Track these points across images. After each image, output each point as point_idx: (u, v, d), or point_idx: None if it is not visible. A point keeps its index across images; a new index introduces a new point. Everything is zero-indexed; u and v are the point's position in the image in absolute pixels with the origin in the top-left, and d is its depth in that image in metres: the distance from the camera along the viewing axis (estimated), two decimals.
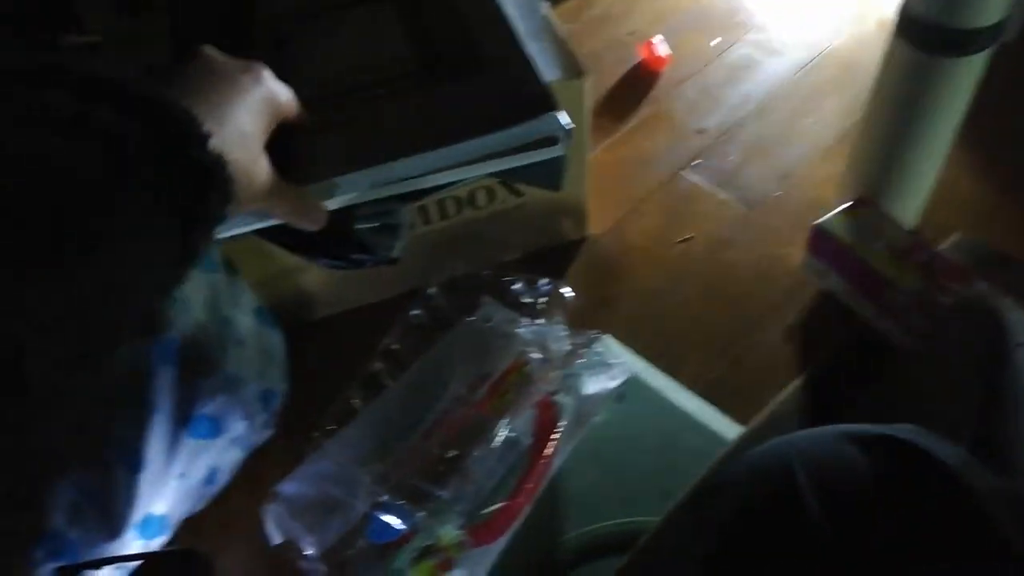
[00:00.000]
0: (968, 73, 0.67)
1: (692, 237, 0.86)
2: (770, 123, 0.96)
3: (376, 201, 0.63)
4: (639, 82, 1.03)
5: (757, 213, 0.87)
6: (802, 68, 1.02)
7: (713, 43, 1.07)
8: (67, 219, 0.30)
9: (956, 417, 0.55)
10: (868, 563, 0.36)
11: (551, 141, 0.64)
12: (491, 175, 0.67)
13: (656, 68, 1.04)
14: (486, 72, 0.67)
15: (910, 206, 0.79)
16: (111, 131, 0.31)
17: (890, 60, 0.70)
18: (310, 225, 0.52)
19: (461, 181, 0.66)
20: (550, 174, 0.70)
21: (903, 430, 0.42)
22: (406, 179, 0.62)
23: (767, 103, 0.99)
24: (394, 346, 0.75)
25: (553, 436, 0.67)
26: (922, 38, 0.65)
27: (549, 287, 0.74)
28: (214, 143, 0.34)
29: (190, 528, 0.68)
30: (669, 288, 0.82)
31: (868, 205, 0.76)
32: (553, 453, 0.66)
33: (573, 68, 0.71)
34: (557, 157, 0.67)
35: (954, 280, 0.69)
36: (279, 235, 0.64)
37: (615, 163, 0.94)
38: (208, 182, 0.34)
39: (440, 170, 0.63)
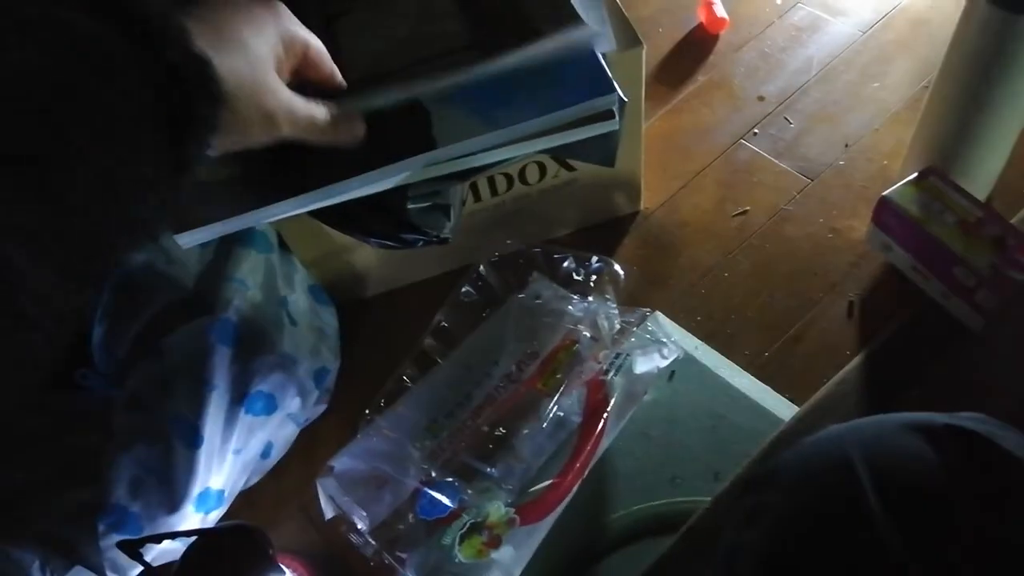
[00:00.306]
0: None
1: (749, 210, 0.83)
2: (833, 89, 0.92)
3: (428, 181, 0.63)
4: (697, 47, 1.00)
5: (818, 184, 0.84)
6: (869, 29, 0.97)
7: (775, 3, 1.02)
8: (45, 127, 0.29)
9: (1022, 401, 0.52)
10: (926, 564, 0.34)
11: (606, 115, 0.62)
12: (543, 151, 0.66)
13: (715, 31, 1.00)
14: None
15: (984, 176, 0.75)
16: (83, 33, 0.31)
17: (968, 18, 0.65)
18: (347, 141, 0.51)
19: (514, 158, 0.66)
20: (604, 149, 0.69)
21: (969, 419, 0.40)
22: (458, 158, 0.62)
23: (831, 67, 0.94)
24: (445, 323, 0.75)
25: (603, 416, 0.66)
26: None
27: (600, 264, 0.73)
28: (200, 47, 0.34)
29: (246, 501, 0.70)
30: (724, 264, 0.80)
31: (937, 175, 0.72)
32: (602, 433, 0.66)
33: (629, 38, 0.69)
34: (611, 131, 0.65)
35: None
36: (332, 216, 0.65)
37: (670, 133, 0.92)
38: (192, 84, 0.34)
39: (493, 148, 0.62)
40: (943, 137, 0.73)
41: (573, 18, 0.63)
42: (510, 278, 0.78)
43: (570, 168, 0.78)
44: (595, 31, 0.61)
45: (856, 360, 0.69)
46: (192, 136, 0.35)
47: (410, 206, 0.64)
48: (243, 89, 0.39)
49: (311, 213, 0.62)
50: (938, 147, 0.74)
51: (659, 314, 0.75)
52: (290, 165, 0.58)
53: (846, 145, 0.87)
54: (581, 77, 0.61)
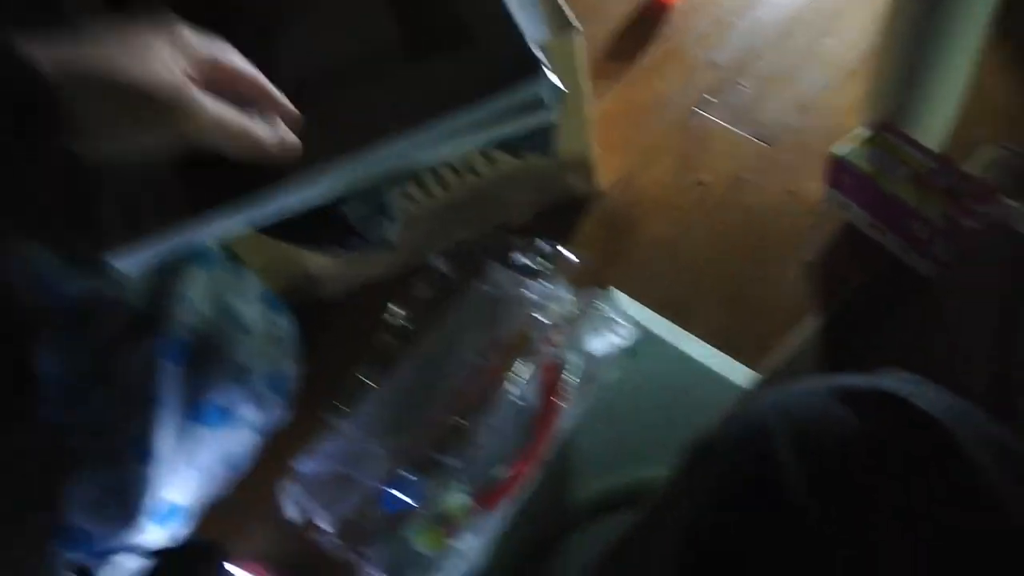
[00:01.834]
0: None
1: (706, 180, 0.82)
2: (788, 50, 0.90)
3: (366, 185, 0.63)
4: (650, 18, 0.98)
5: (775, 149, 0.83)
6: None
7: None
8: None
9: (978, 354, 0.51)
10: (853, 542, 0.33)
11: (539, 106, 0.61)
12: (484, 146, 0.65)
13: (668, 1, 0.99)
14: (469, 41, 0.64)
15: (937, 124, 0.73)
16: None
17: None
18: (274, 155, 0.50)
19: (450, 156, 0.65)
20: (541, 139, 0.67)
21: (892, 380, 0.38)
22: (393, 162, 0.61)
23: (783, 28, 0.92)
24: (403, 320, 0.75)
25: (559, 399, 0.65)
26: None
27: (551, 248, 0.72)
28: (34, 53, 0.36)
29: (217, 512, 0.70)
30: (683, 237, 0.79)
31: (889, 130, 0.71)
32: (559, 415, 0.65)
33: (564, 24, 0.67)
34: (547, 122, 0.64)
35: (980, 201, 0.64)
36: (272, 228, 0.64)
37: (625, 109, 0.90)
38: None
39: (427, 149, 0.61)
40: (894, 88, 0.71)
41: (503, 15, 0.61)
42: (467, 269, 0.77)
43: (519, 155, 0.77)
44: (553, 85, 0.59)
45: (816, 322, 0.67)
46: (37, 133, 0.36)
47: (351, 212, 0.63)
48: (96, 75, 0.39)
49: (255, 228, 0.62)
50: (890, 100, 0.72)
51: (618, 292, 0.75)
52: (222, 182, 0.57)
53: (801, 106, 0.85)
54: (507, 66, 0.60)
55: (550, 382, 0.66)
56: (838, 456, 0.36)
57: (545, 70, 0.58)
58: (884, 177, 0.68)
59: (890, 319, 0.65)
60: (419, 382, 0.72)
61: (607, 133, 0.86)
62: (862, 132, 0.71)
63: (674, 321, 0.72)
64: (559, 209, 0.83)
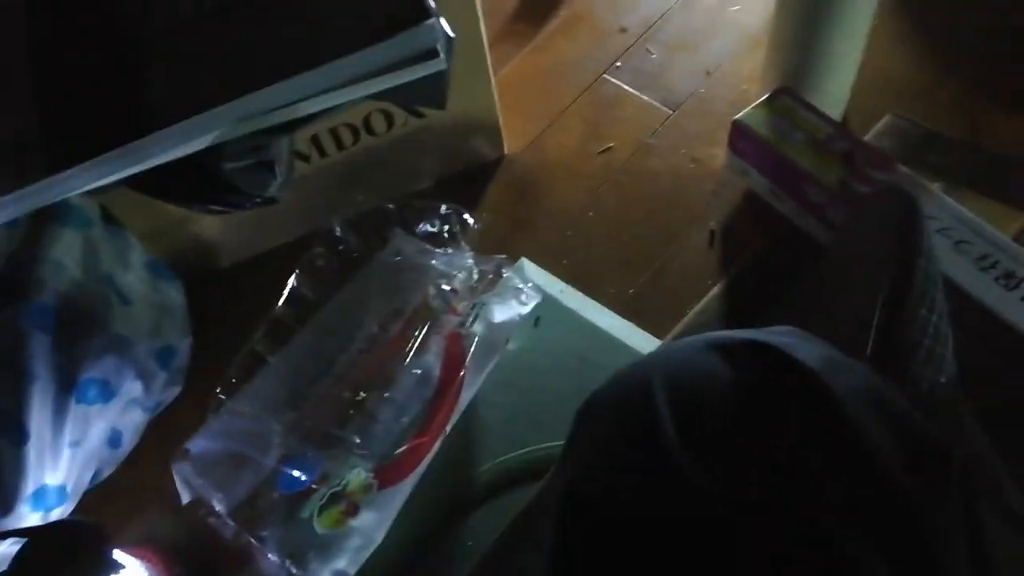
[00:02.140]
0: None
1: (613, 146, 0.82)
2: (694, 15, 0.90)
3: (244, 137, 0.59)
4: None
5: (680, 114, 0.82)
6: None
7: None
8: None
9: (866, 315, 0.52)
10: (725, 496, 0.33)
11: (430, 54, 0.59)
12: (371, 97, 0.62)
13: None
14: None
15: (836, 90, 0.74)
16: None
17: None
18: None
19: (339, 107, 0.62)
20: (432, 91, 0.65)
21: (772, 332, 0.39)
22: (272, 110, 0.58)
23: None
24: (300, 289, 0.72)
25: (461, 369, 0.64)
26: None
27: (452, 213, 0.70)
28: None
29: (101, 494, 0.66)
30: (590, 203, 0.78)
31: (788, 95, 0.71)
32: (461, 385, 0.64)
33: None
34: (439, 71, 0.61)
35: (876, 168, 0.65)
36: (145, 183, 0.60)
37: (533, 73, 0.89)
38: None
39: (308, 97, 0.58)
40: (791, 54, 0.72)
41: None
42: (370, 237, 0.75)
43: (420, 114, 0.74)
44: (443, 32, 0.56)
45: (715, 289, 0.68)
46: None
47: (228, 165, 0.59)
48: None
49: (124, 182, 0.57)
50: (788, 65, 0.73)
51: (524, 260, 0.73)
52: (81, 128, 0.53)
53: (707, 73, 0.85)
54: (393, 10, 0.57)
55: (453, 353, 0.65)
56: (711, 408, 0.36)
57: (434, 16, 0.56)
58: (782, 142, 0.68)
59: (788, 284, 0.66)
60: (317, 355, 0.69)
61: (514, 97, 0.84)
62: (763, 99, 0.71)
63: (581, 289, 0.72)
64: (465, 175, 0.81)
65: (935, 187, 0.65)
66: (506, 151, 0.83)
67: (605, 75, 0.87)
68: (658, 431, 0.35)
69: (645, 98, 0.84)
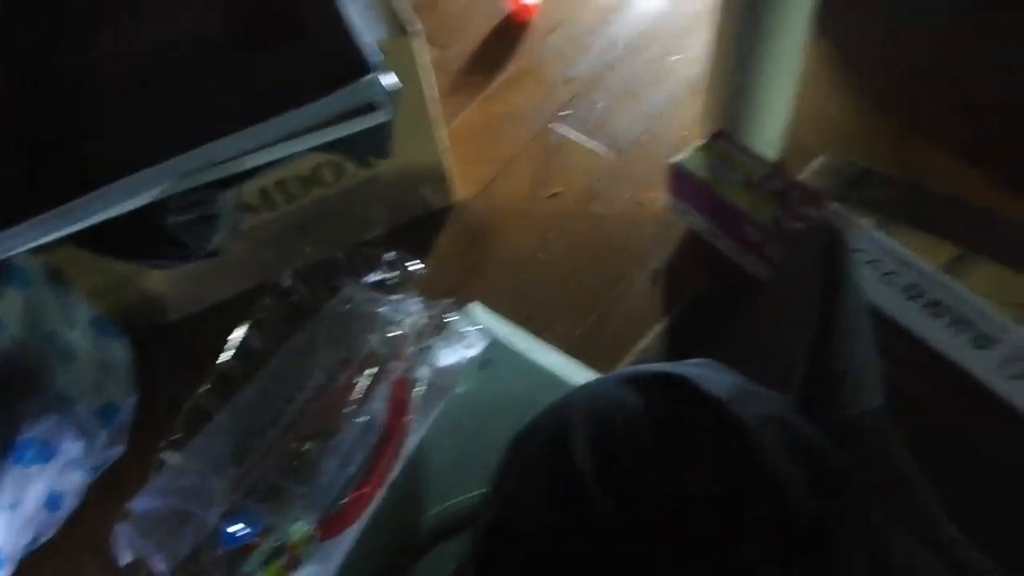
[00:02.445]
0: None
1: (560, 192, 0.83)
2: (638, 65, 0.93)
3: (188, 191, 0.60)
4: (507, 36, 0.99)
5: (624, 160, 0.84)
6: (671, 5, 0.98)
7: None
8: None
9: (799, 346, 0.52)
10: (634, 531, 0.33)
11: (372, 107, 0.60)
12: (317, 149, 0.63)
13: (524, 19, 1.00)
14: (300, 37, 0.62)
15: (770, 133, 0.76)
16: None
17: None
18: None
19: (285, 160, 0.63)
20: (377, 141, 0.66)
21: (683, 365, 0.39)
22: (216, 165, 0.58)
23: (634, 44, 0.95)
24: (249, 341, 0.71)
25: (405, 415, 0.64)
26: None
27: (397, 259, 0.71)
28: None
29: (39, 558, 0.64)
30: (538, 247, 0.79)
31: (724, 138, 0.73)
32: (407, 431, 0.63)
33: (401, 25, 0.67)
34: (383, 123, 0.63)
35: (808, 205, 0.67)
36: (90, 240, 0.60)
37: (484, 123, 0.91)
38: None
39: (252, 151, 0.59)
40: (726, 98, 0.74)
41: (334, 13, 0.60)
42: (319, 288, 0.75)
43: (368, 165, 0.76)
44: (386, 85, 0.58)
45: (658, 327, 0.69)
46: None
47: (172, 220, 0.60)
48: None
49: (67, 239, 0.58)
50: (724, 109, 0.75)
51: (474, 304, 0.74)
52: (23, 187, 0.54)
53: (650, 119, 0.87)
54: (336, 65, 0.59)
55: (398, 398, 0.65)
56: (625, 441, 0.36)
57: (376, 71, 0.57)
58: (719, 183, 0.70)
59: (729, 320, 0.67)
60: (265, 406, 0.68)
61: (465, 146, 0.86)
62: (701, 142, 0.73)
63: (531, 332, 0.72)
64: (415, 223, 0.82)
65: (866, 222, 0.67)
66: (459, 197, 0.84)
67: (552, 124, 0.89)
68: (574, 465, 0.35)
69: (591, 145, 0.86)
